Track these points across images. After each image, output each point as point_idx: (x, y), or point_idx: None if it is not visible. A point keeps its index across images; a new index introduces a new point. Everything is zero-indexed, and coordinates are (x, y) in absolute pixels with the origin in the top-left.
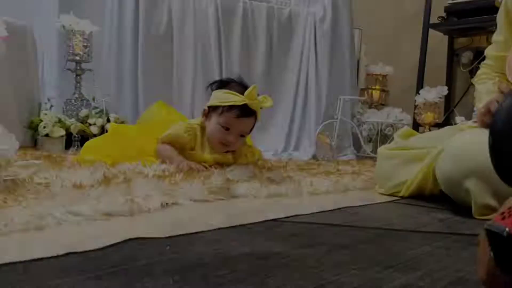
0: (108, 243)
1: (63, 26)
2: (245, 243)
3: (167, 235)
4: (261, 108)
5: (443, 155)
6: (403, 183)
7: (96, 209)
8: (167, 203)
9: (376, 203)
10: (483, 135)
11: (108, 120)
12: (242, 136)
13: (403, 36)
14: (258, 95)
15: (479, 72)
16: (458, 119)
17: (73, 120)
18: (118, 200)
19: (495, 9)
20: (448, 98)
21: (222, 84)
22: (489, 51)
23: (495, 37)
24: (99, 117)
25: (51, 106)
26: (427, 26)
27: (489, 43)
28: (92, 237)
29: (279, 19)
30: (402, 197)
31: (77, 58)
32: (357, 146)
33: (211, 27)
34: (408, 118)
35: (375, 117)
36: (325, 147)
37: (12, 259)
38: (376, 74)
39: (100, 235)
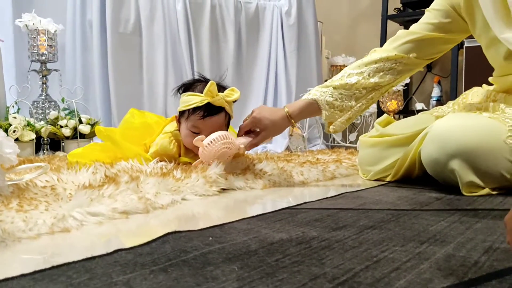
0: (148, 239)
1: (26, 26)
2: (277, 230)
3: (198, 228)
4: (233, 102)
5: (427, 139)
6: (390, 168)
7: (113, 208)
8: (175, 200)
9: (370, 188)
10: (464, 119)
11: (80, 121)
12: None
13: (360, 28)
14: (224, 88)
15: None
16: (418, 105)
17: (42, 123)
18: (132, 198)
19: None
20: (406, 86)
21: (186, 87)
22: (420, 30)
23: (432, 19)
24: (71, 118)
25: (19, 109)
26: (385, 17)
27: None
28: (122, 235)
29: (246, 13)
30: (389, 182)
31: (43, 58)
32: (326, 136)
33: (180, 23)
34: (373, 107)
35: None
36: (298, 138)
37: (65, 260)
38: (339, 65)
39: (129, 233)
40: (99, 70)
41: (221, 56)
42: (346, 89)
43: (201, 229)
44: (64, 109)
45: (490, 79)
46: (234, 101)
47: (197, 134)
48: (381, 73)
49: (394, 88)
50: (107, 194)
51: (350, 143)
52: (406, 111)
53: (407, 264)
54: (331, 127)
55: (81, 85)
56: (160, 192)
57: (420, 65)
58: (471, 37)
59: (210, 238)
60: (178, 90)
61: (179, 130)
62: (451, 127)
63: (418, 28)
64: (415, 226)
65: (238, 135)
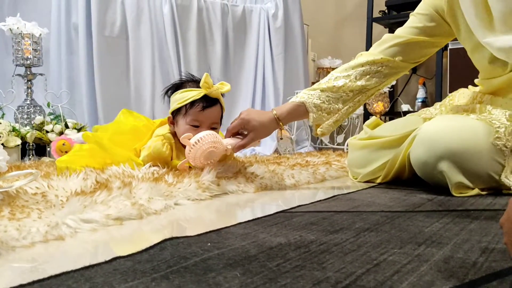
0: (145, 246)
1: (11, 29)
2: (275, 234)
3: (195, 234)
4: (222, 95)
5: (416, 141)
6: (379, 170)
7: (107, 214)
8: (168, 205)
9: (362, 190)
10: (452, 121)
11: (67, 126)
12: (214, 128)
13: (346, 30)
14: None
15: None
16: (404, 106)
17: (27, 128)
18: (125, 204)
19: None
20: (392, 88)
21: (177, 86)
22: (405, 34)
23: (417, 23)
24: (56, 123)
25: (3, 114)
26: (371, 19)
27: None
28: (117, 242)
29: (233, 15)
30: (379, 183)
31: (28, 62)
32: (313, 138)
33: (167, 26)
34: (360, 109)
35: None
36: (287, 141)
37: (62, 269)
38: (326, 68)
39: (124, 240)
40: (85, 74)
41: (208, 59)
42: (333, 92)
43: (199, 235)
44: (50, 113)
45: (476, 81)
46: (223, 95)
47: (197, 127)
48: (368, 76)
49: (381, 90)
50: (100, 201)
51: (337, 145)
52: (392, 113)
53: (408, 267)
54: (318, 129)
55: (67, 89)
56: (153, 197)
57: (405, 68)
58: (455, 39)
59: (209, 244)
60: (167, 91)
61: (171, 132)
62: (439, 129)
63: (403, 32)
64: (410, 228)
65: (226, 137)
